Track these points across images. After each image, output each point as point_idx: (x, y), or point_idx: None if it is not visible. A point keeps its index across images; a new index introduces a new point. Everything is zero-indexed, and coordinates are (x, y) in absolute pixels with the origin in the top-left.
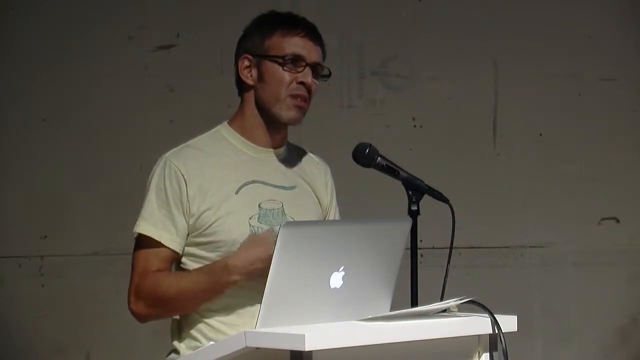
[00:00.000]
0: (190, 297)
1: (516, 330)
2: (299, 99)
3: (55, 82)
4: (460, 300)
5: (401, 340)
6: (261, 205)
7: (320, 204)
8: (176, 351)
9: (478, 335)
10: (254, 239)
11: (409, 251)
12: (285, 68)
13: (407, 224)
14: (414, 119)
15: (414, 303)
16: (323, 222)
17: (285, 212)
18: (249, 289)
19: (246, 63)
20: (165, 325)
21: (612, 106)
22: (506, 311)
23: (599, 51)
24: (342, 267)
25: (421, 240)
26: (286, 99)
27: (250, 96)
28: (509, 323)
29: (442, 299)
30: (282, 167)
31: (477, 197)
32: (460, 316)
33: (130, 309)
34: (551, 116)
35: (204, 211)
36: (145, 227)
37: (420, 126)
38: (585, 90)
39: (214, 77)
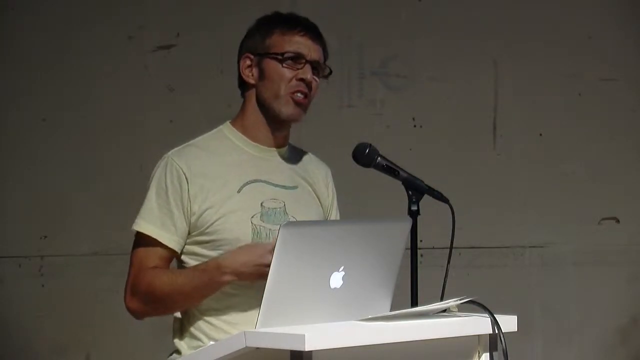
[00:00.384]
0: (184, 294)
1: (516, 330)
2: (298, 94)
3: (55, 82)
4: (460, 300)
5: (401, 340)
6: (263, 204)
7: (321, 204)
8: (178, 351)
9: (478, 335)
10: (254, 244)
11: (409, 251)
12: (285, 65)
13: (407, 224)
14: (414, 119)
15: (414, 303)
16: (323, 222)
17: (287, 211)
18: (251, 288)
19: (247, 62)
20: (166, 325)
21: (612, 106)
22: (506, 311)
23: (599, 51)
24: (342, 267)
25: (421, 240)
26: (286, 95)
27: (251, 95)
28: (509, 323)
29: (442, 299)
30: (284, 166)
31: (477, 197)
32: (460, 316)
33: (126, 305)
34: (551, 116)
35: (206, 209)
36: (143, 225)
37: (420, 126)
38: (585, 90)
39: (214, 77)
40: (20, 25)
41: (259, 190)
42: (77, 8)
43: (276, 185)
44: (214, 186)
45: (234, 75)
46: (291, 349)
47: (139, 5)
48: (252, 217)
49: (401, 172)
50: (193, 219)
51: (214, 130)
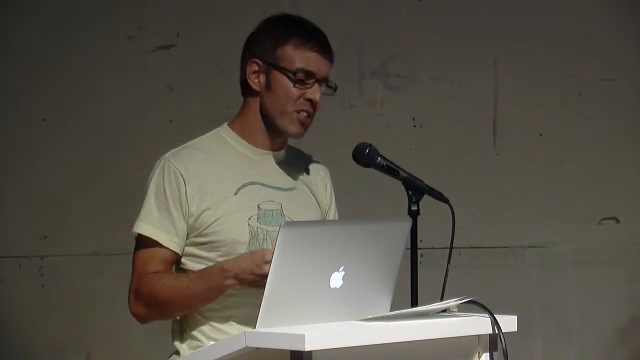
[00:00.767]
0: (186, 299)
1: (516, 330)
2: (303, 113)
3: (55, 82)
4: (460, 300)
5: (401, 340)
6: (260, 206)
7: (319, 205)
8: (177, 352)
9: (478, 335)
10: (255, 251)
11: (409, 251)
12: (295, 84)
13: (407, 224)
14: (414, 119)
15: (414, 303)
16: (323, 222)
17: (284, 213)
18: (250, 288)
19: (255, 68)
20: (166, 326)
21: (612, 106)
22: (506, 311)
23: (599, 51)
24: (342, 267)
25: (421, 240)
26: (292, 113)
27: (255, 102)
28: (509, 323)
29: (442, 299)
30: (281, 169)
31: (477, 197)
32: (460, 316)
33: (130, 310)
34: (551, 116)
35: (203, 211)
36: (144, 227)
37: (420, 126)
38: (585, 90)
39: (214, 77)
40: (20, 25)
41: (256, 192)
42: (77, 8)
43: (273, 188)
44: (211, 188)
45: (234, 75)
46: (291, 349)
47: (139, 5)
48: (249, 218)
49: (401, 172)
50: (191, 220)
51: (212, 132)
